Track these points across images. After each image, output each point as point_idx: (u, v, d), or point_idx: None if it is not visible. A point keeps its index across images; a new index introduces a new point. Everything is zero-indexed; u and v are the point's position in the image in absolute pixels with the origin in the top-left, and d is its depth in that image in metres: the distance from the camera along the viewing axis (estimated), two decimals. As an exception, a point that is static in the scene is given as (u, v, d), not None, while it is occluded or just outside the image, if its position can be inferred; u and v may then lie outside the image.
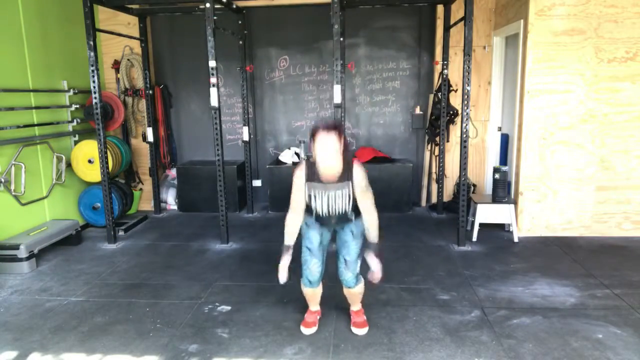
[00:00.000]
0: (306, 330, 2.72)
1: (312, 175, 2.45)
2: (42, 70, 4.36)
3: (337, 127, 2.37)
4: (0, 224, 3.91)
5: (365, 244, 2.57)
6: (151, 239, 4.56)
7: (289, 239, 2.55)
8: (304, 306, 2.86)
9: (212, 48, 3.96)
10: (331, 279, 3.07)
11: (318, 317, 2.81)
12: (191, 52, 5.43)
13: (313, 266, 2.60)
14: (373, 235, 2.52)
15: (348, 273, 2.59)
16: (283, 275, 2.54)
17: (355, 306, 2.78)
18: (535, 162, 4.27)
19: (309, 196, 2.49)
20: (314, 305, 2.80)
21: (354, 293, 2.68)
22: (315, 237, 2.59)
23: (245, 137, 5.32)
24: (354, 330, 2.71)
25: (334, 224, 2.57)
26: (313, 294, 2.71)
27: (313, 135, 2.36)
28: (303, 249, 2.62)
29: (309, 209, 2.55)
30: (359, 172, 2.44)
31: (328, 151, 2.31)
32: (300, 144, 5.45)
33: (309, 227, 2.60)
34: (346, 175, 2.43)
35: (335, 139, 2.32)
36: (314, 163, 2.40)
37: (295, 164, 5.28)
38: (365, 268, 2.56)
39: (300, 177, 2.48)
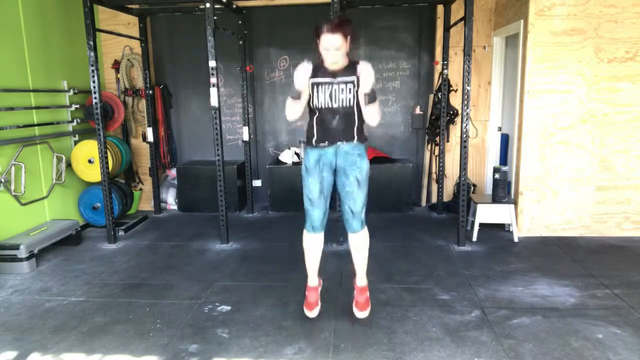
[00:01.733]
0: (310, 313, 2.74)
1: (317, 70, 2.48)
2: (42, 70, 4.36)
3: (342, 25, 2.32)
4: (0, 224, 3.91)
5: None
6: (151, 239, 4.56)
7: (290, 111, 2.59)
8: (303, 306, 2.86)
9: (212, 48, 3.96)
10: (331, 280, 3.09)
11: (319, 291, 2.80)
12: (191, 52, 5.43)
13: (314, 215, 2.64)
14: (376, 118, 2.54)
15: (354, 221, 2.64)
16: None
17: (361, 277, 2.77)
18: (535, 162, 4.27)
19: (312, 90, 2.49)
20: (313, 275, 2.78)
21: (360, 241, 2.70)
22: (315, 186, 2.60)
23: (245, 137, 5.33)
24: (356, 311, 2.72)
25: (336, 134, 2.54)
26: (314, 245, 2.71)
27: (317, 34, 2.34)
28: (304, 198, 2.65)
29: (309, 139, 2.59)
30: (365, 67, 2.40)
31: (333, 53, 2.33)
32: (300, 144, 5.45)
33: (309, 173, 2.61)
34: (351, 70, 2.43)
35: (341, 40, 2.30)
36: (318, 65, 2.44)
37: (294, 163, 5.31)
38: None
39: (304, 68, 2.47)
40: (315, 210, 2.63)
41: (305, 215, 2.69)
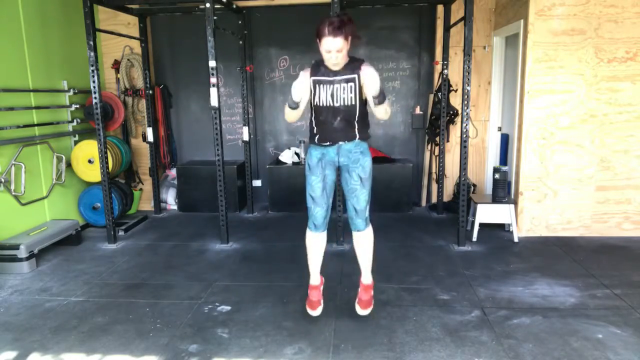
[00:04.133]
0: (313, 312, 2.73)
1: (317, 70, 2.49)
2: (42, 70, 4.36)
3: (343, 27, 2.31)
4: (0, 224, 3.91)
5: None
6: (151, 239, 4.56)
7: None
8: (303, 307, 2.87)
9: (212, 48, 3.96)
10: (331, 279, 3.09)
11: (321, 289, 2.80)
12: (191, 52, 5.43)
13: (317, 213, 2.65)
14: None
15: (358, 219, 2.65)
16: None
17: (366, 275, 2.77)
18: (535, 162, 4.27)
19: (313, 88, 2.50)
20: (315, 273, 2.78)
21: (365, 239, 2.70)
22: (317, 184, 2.61)
23: (245, 137, 5.33)
24: (358, 309, 2.72)
25: (338, 133, 2.55)
26: (316, 244, 2.71)
27: (318, 35, 2.34)
28: (307, 197, 2.66)
29: (311, 137, 2.60)
30: (369, 74, 2.39)
31: (334, 55, 2.34)
32: (300, 144, 5.45)
33: (311, 171, 2.61)
34: (352, 68, 2.43)
35: (342, 42, 2.31)
36: (318, 62, 2.46)
37: (294, 163, 5.31)
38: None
39: (304, 75, 2.49)
40: (318, 209, 2.64)
41: (308, 213, 2.69)
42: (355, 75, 2.45)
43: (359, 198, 2.62)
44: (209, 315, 2.94)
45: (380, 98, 2.42)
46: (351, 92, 2.47)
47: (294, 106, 2.54)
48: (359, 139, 2.59)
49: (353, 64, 2.46)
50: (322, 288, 2.85)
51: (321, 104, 2.52)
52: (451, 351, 2.49)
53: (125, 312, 3.00)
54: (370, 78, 2.38)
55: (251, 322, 2.84)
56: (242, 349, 2.55)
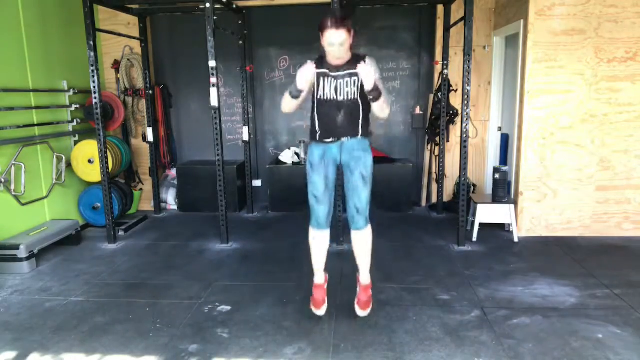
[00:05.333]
0: (318, 311, 2.73)
1: (321, 64, 2.49)
2: (42, 70, 4.36)
3: (346, 20, 2.34)
4: (0, 224, 3.91)
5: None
6: (151, 239, 4.56)
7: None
8: (303, 307, 2.87)
9: (212, 48, 3.96)
10: (331, 279, 3.08)
11: (325, 287, 2.80)
12: (191, 52, 5.43)
13: (320, 212, 2.64)
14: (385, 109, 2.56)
15: (359, 217, 2.64)
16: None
17: (365, 275, 2.76)
18: (535, 162, 4.27)
19: (317, 81, 2.50)
20: (319, 272, 2.77)
21: (364, 237, 2.70)
22: (319, 182, 2.60)
23: (245, 137, 5.33)
24: (357, 310, 2.72)
25: (340, 129, 2.55)
26: (320, 242, 2.71)
27: (321, 29, 2.37)
28: (309, 195, 2.65)
29: (313, 134, 2.59)
30: (364, 68, 2.39)
31: (337, 49, 2.36)
32: (300, 144, 5.45)
33: (313, 169, 2.61)
34: (356, 62, 2.44)
35: (345, 35, 2.33)
36: (322, 57, 2.46)
37: (295, 163, 5.31)
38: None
39: (309, 66, 2.45)
40: (321, 207, 2.64)
41: (310, 211, 2.69)
42: (359, 71, 2.45)
43: (361, 196, 2.61)
44: (209, 315, 2.94)
45: (375, 94, 2.43)
46: (354, 86, 2.48)
47: (296, 94, 2.51)
48: (361, 135, 2.59)
49: (356, 60, 2.47)
50: (326, 286, 2.84)
51: (325, 98, 2.52)
52: (451, 351, 2.49)
53: (125, 312, 3.00)
54: (364, 72, 2.38)
55: (251, 322, 2.84)
56: (242, 349, 2.55)
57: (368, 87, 2.40)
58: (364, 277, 2.78)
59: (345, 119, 2.54)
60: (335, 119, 2.55)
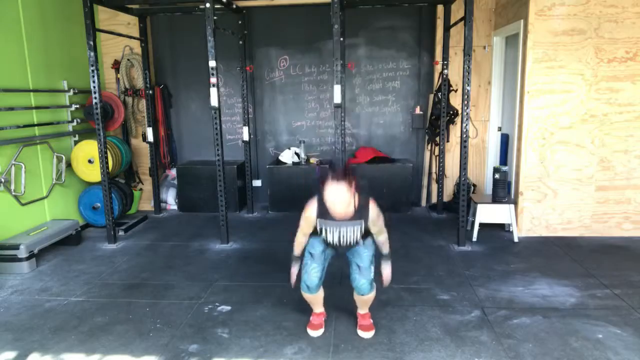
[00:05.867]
0: (314, 333, 2.70)
1: (324, 214, 2.42)
2: (42, 70, 4.36)
3: (346, 175, 2.30)
4: (0, 224, 3.91)
5: (377, 254, 2.63)
6: (151, 239, 4.56)
7: (297, 251, 2.63)
8: (303, 307, 2.86)
9: (212, 48, 3.96)
10: (331, 279, 3.08)
11: (324, 319, 2.79)
12: (191, 52, 5.43)
13: (312, 271, 2.58)
14: (386, 248, 2.61)
15: (362, 280, 2.56)
16: (293, 280, 2.66)
17: (363, 310, 2.75)
18: (535, 162, 4.27)
19: (321, 229, 2.50)
20: (318, 308, 2.77)
21: (366, 300, 2.65)
22: (319, 245, 2.60)
23: (245, 137, 5.33)
24: (360, 333, 2.69)
25: (342, 250, 2.61)
26: (314, 299, 2.69)
27: (322, 182, 2.32)
28: (306, 253, 2.62)
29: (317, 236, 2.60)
30: (374, 212, 2.45)
31: (338, 201, 2.29)
32: (300, 144, 5.45)
33: (313, 259, 2.60)
34: (360, 214, 2.42)
35: (345, 190, 2.27)
36: (325, 202, 2.36)
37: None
38: (375, 273, 2.61)
39: (311, 213, 2.47)
40: (313, 266, 2.58)
41: (302, 272, 2.61)
42: (362, 221, 2.45)
43: (362, 257, 2.57)
44: (209, 315, 2.94)
45: (382, 238, 2.57)
46: (358, 232, 2.48)
47: (298, 257, 2.64)
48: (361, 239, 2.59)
49: (361, 211, 2.42)
50: (324, 319, 2.80)
51: (327, 241, 2.54)
52: (451, 351, 2.49)
53: (125, 312, 3.00)
54: (373, 218, 2.45)
55: (251, 322, 2.84)
56: (242, 349, 2.55)
57: (374, 231, 2.52)
58: (363, 310, 2.76)
59: (347, 247, 2.60)
60: (337, 249, 2.62)
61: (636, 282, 3.31)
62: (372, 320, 2.75)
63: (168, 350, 2.56)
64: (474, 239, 4.22)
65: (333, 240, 2.50)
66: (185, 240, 4.46)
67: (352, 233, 2.46)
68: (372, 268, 2.59)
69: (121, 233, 4.62)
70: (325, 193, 2.30)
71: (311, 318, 2.78)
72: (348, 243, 2.51)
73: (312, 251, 2.60)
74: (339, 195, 2.27)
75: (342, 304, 2.97)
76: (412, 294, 3.18)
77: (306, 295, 2.66)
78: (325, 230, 2.48)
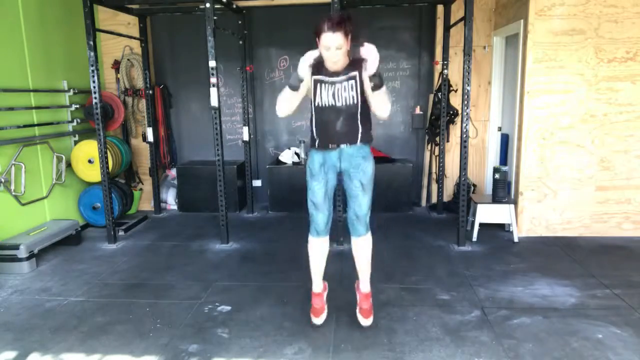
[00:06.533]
0: (317, 320, 2.71)
1: (319, 69, 2.41)
2: (42, 70, 4.36)
3: (343, 23, 2.25)
4: (0, 224, 3.91)
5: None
6: (151, 239, 4.56)
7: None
8: (304, 307, 2.87)
9: (212, 48, 3.96)
10: (331, 279, 3.08)
11: (325, 295, 2.78)
12: (191, 52, 5.43)
13: (319, 219, 2.62)
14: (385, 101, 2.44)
15: (359, 224, 2.62)
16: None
17: (365, 283, 2.73)
18: (535, 162, 4.27)
19: (314, 88, 2.44)
20: (318, 279, 2.74)
21: (365, 244, 2.67)
22: (319, 190, 2.57)
23: (245, 137, 5.33)
24: (360, 318, 2.68)
25: (339, 136, 2.49)
26: (319, 249, 2.68)
27: (317, 32, 2.28)
28: (308, 202, 2.62)
29: (312, 142, 2.55)
30: (369, 50, 2.27)
31: (334, 53, 2.26)
32: (300, 144, 5.45)
33: (313, 176, 2.57)
34: (354, 66, 2.37)
35: (342, 39, 2.23)
36: (319, 63, 2.35)
37: (295, 163, 5.31)
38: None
39: (309, 58, 2.38)
40: (320, 214, 2.60)
41: (310, 219, 2.66)
42: (357, 73, 2.40)
43: (361, 204, 2.58)
44: (209, 315, 2.94)
45: (377, 80, 2.32)
46: (352, 90, 2.41)
47: (296, 84, 2.42)
48: (361, 141, 2.53)
49: (354, 63, 2.40)
50: (325, 295, 2.81)
51: (322, 105, 2.47)
52: (451, 351, 2.49)
53: (125, 312, 3.00)
54: (367, 52, 2.27)
55: (251, 322, 2.84)
56: (242, 349, 2.55)
57: (371, 70, 2.30)
58: (364, 285, 2.75)
59: (344, 125, 2.48)
60: (334, 126, 2.49)
61: (636, 282, 3.31)
62: (371, 302, 2.74)
63: (168, 350, 2.56)
64: (474, 239, 4.22)
65: (328, 100, 2.43)
66: (186, 240, 4.46)
67: (347, 90, 2.41)
68: (369, 215, 2.64)
69: (121, 233, 4.62)
70: (319, 41, 2.27)
71: (312, 301, 2.74)
72: (344, 101, 2.43)
73: (314, 200, 2.59)
74: (334, 40, 2.23)
75: (342, 304, 2.97)
76: (412, 294, 3.18)
77: (313, 242, 2.65)
78: (320, 90, 2.43)
